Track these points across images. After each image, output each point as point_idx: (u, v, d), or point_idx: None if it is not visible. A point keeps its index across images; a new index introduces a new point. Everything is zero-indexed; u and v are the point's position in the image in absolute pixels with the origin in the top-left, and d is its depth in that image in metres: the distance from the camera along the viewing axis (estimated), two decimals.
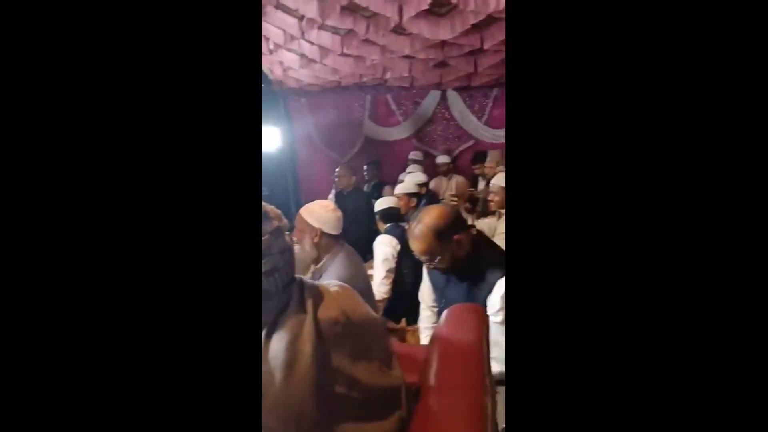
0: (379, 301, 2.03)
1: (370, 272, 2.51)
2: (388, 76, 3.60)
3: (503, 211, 2.50)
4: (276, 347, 0.64)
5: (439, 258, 1.30)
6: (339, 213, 1.69)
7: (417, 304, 1.76)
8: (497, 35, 2.62)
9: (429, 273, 1.55)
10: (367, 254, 2.84)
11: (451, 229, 1.28)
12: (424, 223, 1.29)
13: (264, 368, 0.62)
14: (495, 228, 2.52)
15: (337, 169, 3.62)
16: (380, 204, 2.39)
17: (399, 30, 2.57)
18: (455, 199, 3.13)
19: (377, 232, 2.33)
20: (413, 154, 4.39)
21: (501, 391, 1.29)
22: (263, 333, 0.66)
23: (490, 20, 2.47)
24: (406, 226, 2.08)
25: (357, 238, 3.07)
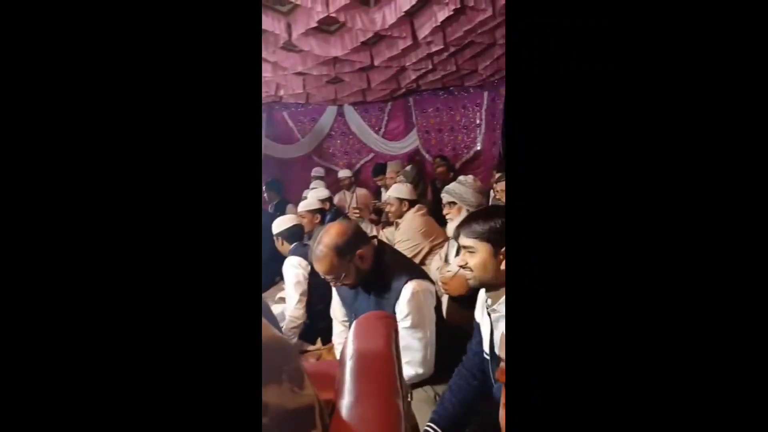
0: (295, 327, 1.96)
1: (281, 295, 2.42)
2: (282, 93, 3.56)
3: (399, 221, 2.59)
4: None
5: (344, 275, 1.30)
6: None
7: (329, 322, 1.75)
8: (385, 52, 2.74)
9: (337, 289, 1.54)
10: (276, 277, 2.75)
11: (352, 244, 1.29)
12: (323, 243, 1.29)
13: None
14: (394, 237, 2.60)
15: None
16: (280, 224, 2.26)
17: (289, 47, 2.56)
18: (358, 211, 3.17)
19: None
20: (316, 171, 4.38)
21: (416, 394, 1.33)
22: None
23: (377, 37, 2.58)
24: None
25: (263, 261, 2.95)
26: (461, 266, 1.06)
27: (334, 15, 2.07)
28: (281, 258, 2.19)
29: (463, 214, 1.82)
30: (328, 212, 2.84)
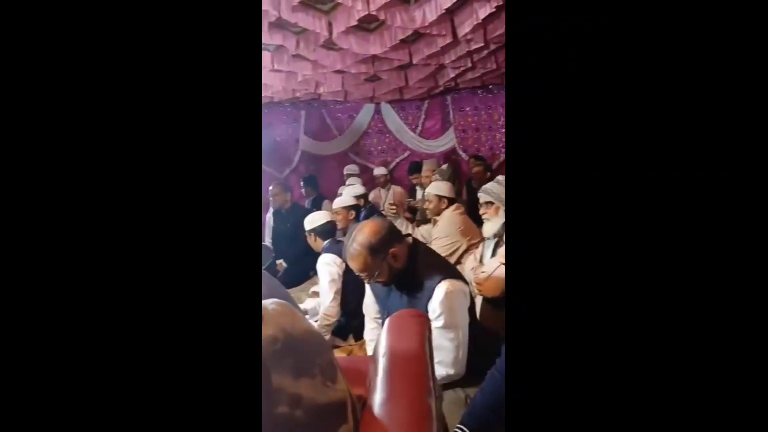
0: (329, 324, 1.99)
1: (314, 289, 2.46)
2: (321, 90, 3.61)
3: (437, 218, 2.58)
4: None
5: (377, 273, 1.31)
6: None
7: (362, 319, 1.76)
8: (424, 50, 2.73)
9: (371, 285, 1.55)
10: (310, 271, 2.79)
11: (385, 242, 1.30)
12: (357, 241, 1.30)
13: None
14: (431, 234, 2.59)
15: (270, 187, 3.53)
16: (313, 220, 2.26)
17: (329, 45, 2.59)
18: (394, 207, 3.17)
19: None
20: (348, 169, 4.40)
21: (447, 395, 1.32)
22: None
23: (417, 35, 2.57)
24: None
25: (298, 255, 3.01)
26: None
27: (374, 13, 2.08)
28: (315, 253, 2.22)
29: (501, 214, 1.78)
30: (362, 209, 2.86)
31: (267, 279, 1.70)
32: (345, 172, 4.31)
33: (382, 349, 0.80)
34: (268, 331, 0.68)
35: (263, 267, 2.76)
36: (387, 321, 0.88)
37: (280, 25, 2.31)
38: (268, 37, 2.35)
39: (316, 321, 2.00)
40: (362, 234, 1.30)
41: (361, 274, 1.34)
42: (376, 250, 1.28)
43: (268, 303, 0.75)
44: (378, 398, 0.72)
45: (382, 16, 2.15)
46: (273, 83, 3.29)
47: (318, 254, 2.15)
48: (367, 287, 1.61)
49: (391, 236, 1.32)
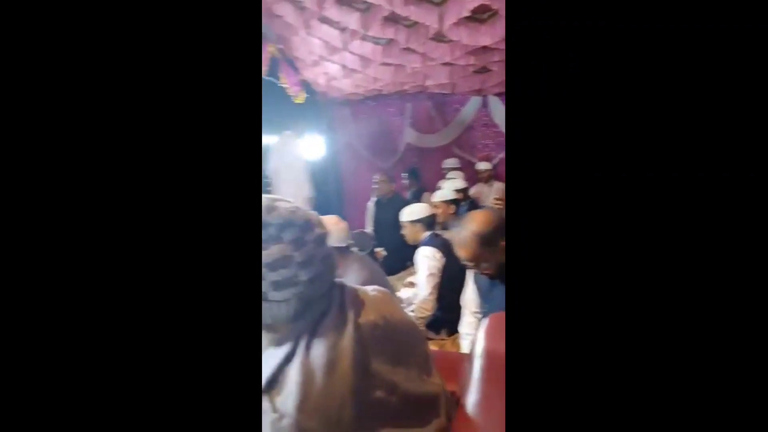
0: (423, 317, 2.01)
1: (410, 279, 2.49)
2: (428, 83, 3.61)
3: None
4: (317, 350, 0.65)
5: (485, 264, 1.29)
6: (343, 225, 1.70)
7: (457, 314, 1.74)
8: None
9: (474, 278, 1.53)
10: (407, 261, 2.84)
11: (496, 234, 1.27)
12: (468, 229, 1.29)
13: (304, 370, 0.63)
14: None
15: (376, 177, 3.63)
16: (413, 212, 2.24)
17: (439, 37, 2.57)
18: (500, 201, 3.05)
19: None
20: (448, 162, 4.34)
21: None
22: (305, 339, 0.67)
23: None
24: (446, 235, 2.04)
25: (396, 246, 3.07)
26: None
27: (487, 3, 2.02)
28: (410, 245, 2.25)
29: None
30: (463, 203, 2.82)
31: (369, 264, 1.76)
32: (444, 166, 4.27)
33: (479, 350, 0.79)
34: (369, 316, 0.70)
35: (365, 252, 2.88)
36: (486, 320, 0.86)
37: (393, 19, 2.35)
38: (380, 32, 2.41)
39: (411, 312, 2.02)
40: (474, 222, 1.29)
41: (468, 263, 1.33)
42: (487, 240, 1.26)
43: (369, 289, 0.78)
44: (472, 399, 0.71)
45: (495, 6, 2.07)
46: (382, 76, 3.37)
47: (413, 246, 2.17)
48: (470, 280, 1.59)
49: (502, 228, 1.29)
